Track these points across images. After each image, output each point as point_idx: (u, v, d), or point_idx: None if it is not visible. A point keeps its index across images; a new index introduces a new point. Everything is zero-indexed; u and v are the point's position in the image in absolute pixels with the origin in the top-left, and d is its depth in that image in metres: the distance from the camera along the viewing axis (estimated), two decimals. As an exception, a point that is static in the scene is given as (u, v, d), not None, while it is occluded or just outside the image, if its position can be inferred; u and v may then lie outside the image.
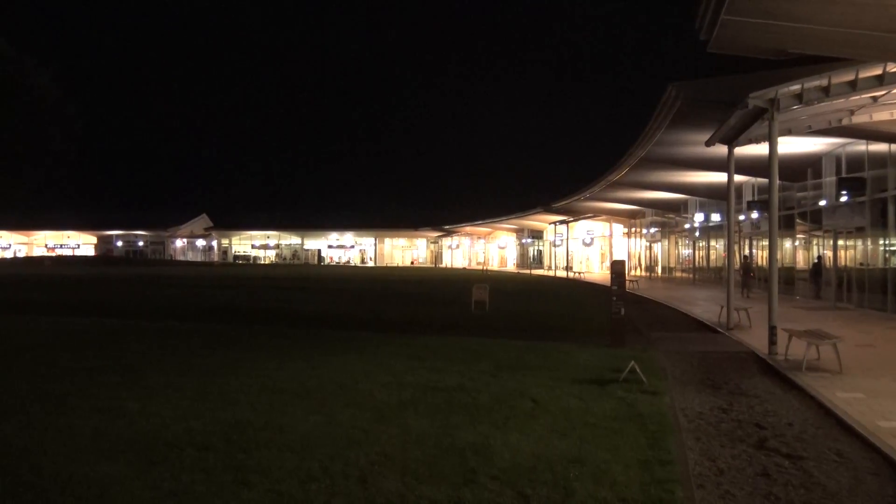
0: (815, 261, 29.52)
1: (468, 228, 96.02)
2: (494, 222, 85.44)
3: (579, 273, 62.46)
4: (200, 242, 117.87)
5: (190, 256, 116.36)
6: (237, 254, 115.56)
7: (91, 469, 6.92)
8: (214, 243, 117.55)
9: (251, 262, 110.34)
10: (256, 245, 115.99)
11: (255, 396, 10.22)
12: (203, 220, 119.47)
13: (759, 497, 6.64)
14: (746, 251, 40.50)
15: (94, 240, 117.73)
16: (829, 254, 29.56)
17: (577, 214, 64.02)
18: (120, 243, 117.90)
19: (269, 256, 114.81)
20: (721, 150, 21.42)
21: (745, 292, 31.68)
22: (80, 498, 6.25)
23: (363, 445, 7.75)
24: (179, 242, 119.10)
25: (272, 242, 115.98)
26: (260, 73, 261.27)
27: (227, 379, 11.54)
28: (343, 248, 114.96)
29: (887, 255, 24.64)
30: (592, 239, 74.03)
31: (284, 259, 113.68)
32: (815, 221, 30.63)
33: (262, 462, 7.16)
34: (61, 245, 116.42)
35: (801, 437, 8.74)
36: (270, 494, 6.31)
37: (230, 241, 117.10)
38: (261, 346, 15.62)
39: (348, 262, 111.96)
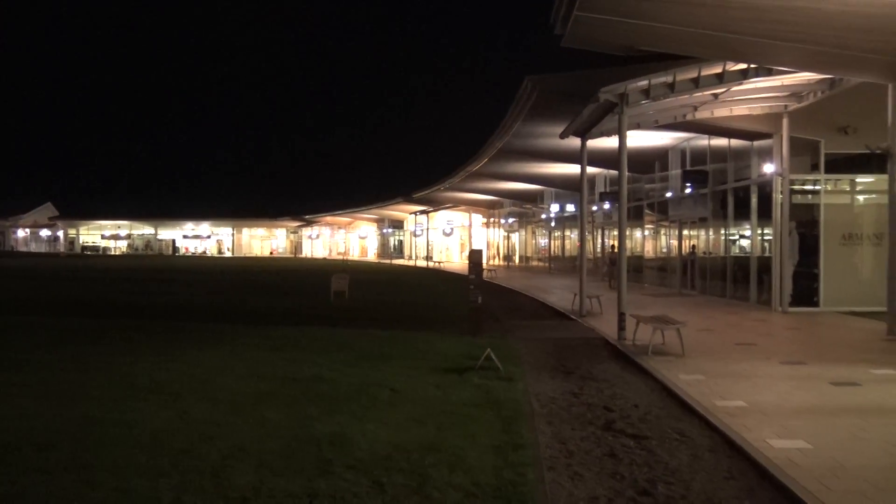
0: (690, 250, 28.72)
1: (328, 218, 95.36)
2: (355, 212, 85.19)
3: (439, 263, 63.09)
4: (45, 233, 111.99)
5: (34, 248, 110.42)
6: (86, 244, 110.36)
7: (-83, 475, 6.46)
8: (61, 233, 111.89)
9: (101, 253, 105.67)
10: (106, 235, 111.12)
11: (104, 392, 9.80)
12: (48, 209, 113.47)
13: (606, 476, 6.90)
14: (603, 241, 41.93)
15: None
16: (675, 243, 30.99)
17: (437, 204, 64.62)
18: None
19: (120, 247, 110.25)
20: (575, 142, 22.08)
21: (611, 282, 30.47)
22: None
23: (217, 440, 7.57)
24: (22, 233, 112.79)
25: (123, 232, 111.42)
26: (108, 53, 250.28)
27: (75, 375, 11.02)
28: (199, 238, 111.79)
29: (727, 245, 26.08)
30: (452, 229, 74.95)
31: (137, 250, 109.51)
32: (663, 212, 32.05)
33: (109, 460, 6.88)
34: None
35: (645, 418, 9.14)
36: (117, 493, 6.07)
37: (78, 231, 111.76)
38: (111, 340, 14.97)
39: (205, 252, 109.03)
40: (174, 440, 7.56)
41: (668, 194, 30.53)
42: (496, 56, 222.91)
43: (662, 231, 34.18)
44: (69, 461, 6.85)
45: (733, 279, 24.62)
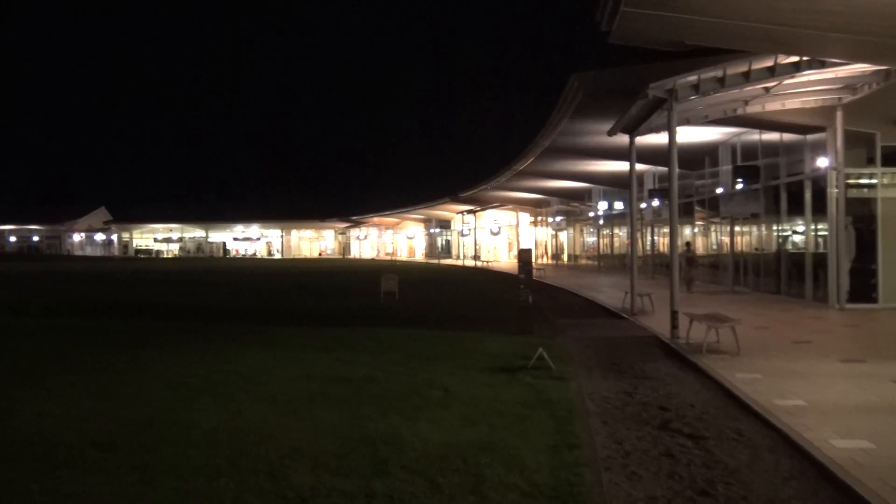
0: (782, 243, 25.61)
1: (376, 219, 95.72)
2: (402, 212, 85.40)
3: (487, 262, 63.00)
4: (99, 236, 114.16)
5: (89, 251, 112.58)
6: (139, 248, 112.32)
7: (-14, 474, 6.63)
8: (114, 237, 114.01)
9: (154, 256, 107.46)
10: (159, 238, 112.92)
11: (159, 393, 9.96)
12: (102, 213, 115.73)
13: (664, 476, 6.82)
14: (653, 239, 41.43)
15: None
16: (726, 240, 30.52)
17: (484, 204, 64.53)
18: (13, 238, 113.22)
19: (172, 250, 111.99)
20: (623, 139, 21.88)
21: (688, 286, 27.18)
22: (-26, 505, 5.99)
23: (272, 440, 7.64)
24: (77, 237, 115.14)
25: (175, 235, 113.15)
26: (159, 61, 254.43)
27: (131, 377, 11.22)
28: (249, 240, 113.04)
29: (780, 241, 25.62)
30: (500, 228, 74.74)
31: (188, 252, 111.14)
32: (713, 208, 31.60)
33: (167, 460, 6.98)
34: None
35: (702, 417, 9.01)
36: (177, 493, 6.15)
37: (131, 234, 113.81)
38: (165, 342, 15.21)
39: (255, 254, 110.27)
40: (230, 440, 7.64)
41: (719, 190, 30.09)
42: (542, 53, 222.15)
43: (713, 228, 33.69)
44: (129, 461, 6.96)
45: (787, 276, 24.18)
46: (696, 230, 36.05)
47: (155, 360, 12.68)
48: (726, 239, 30.58)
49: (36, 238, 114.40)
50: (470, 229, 70.68)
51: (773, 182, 24.95)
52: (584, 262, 56.62)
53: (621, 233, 46.94)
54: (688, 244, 31.30)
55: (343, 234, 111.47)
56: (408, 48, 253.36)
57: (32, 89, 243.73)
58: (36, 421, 8.47)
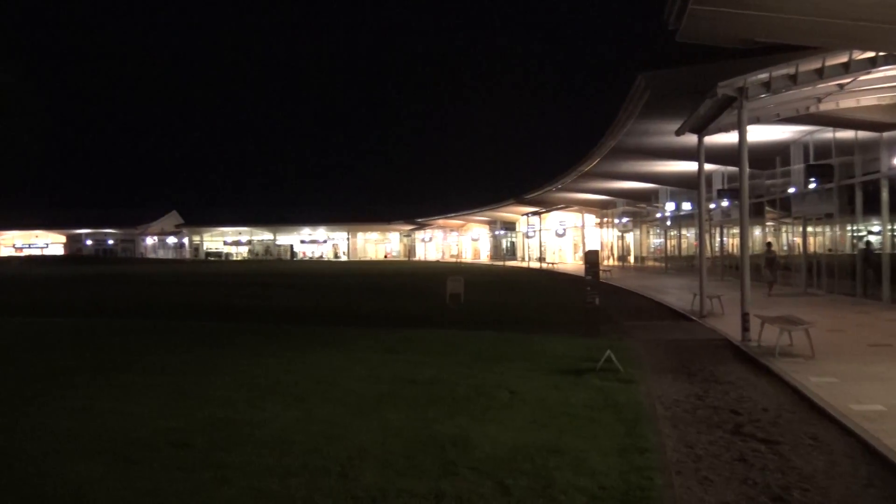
0: (863, 246, 24.07)
1: (441, 221, 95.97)
2: (467, 215, 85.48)
3: (552, 264, 62.64)
4: (171, 240, 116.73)
5: (161, 254, 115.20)
6: (209, 250, 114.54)
7: (66, 469, 6.84)
8: (185, 240, 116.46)
9: (223, 258, 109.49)
10: (228, 241, 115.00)
11: (231, 393, 10.15)
12: (174, 217, 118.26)
13: (737, 482, 6.70)
14: (721, 240, 40.70)
15: (63, 239, 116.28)
16: (798, 240, 29.80)
17: (549, 205, 64.14)
18: (89, 242, 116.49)
19: (241, 252, 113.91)
20: (691, 139, 21.55)
21: (769, 288, 26.38)
22: (57, 498, 6.18)
23: (342, 440, 7.72)
24: (150, 240, 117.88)
25: (244, 238, 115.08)
26: (227, 68, 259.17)
27: (203, 377, 11.47)
28: (316, 242, 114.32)
29: (855, 241, 24.92)
30: (565, 230, 74.26)
31: (257, 255, 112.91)
32: (785, 209, 30.89)
33: (240, 459, 7.11)
34: (29, 245, 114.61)
35: (776, 422, 8.82)
36: (250, 491, 6.27)
37: (201, 237, 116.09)
38: (236, 343, 15.52)
39: (321, 256, 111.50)
40: (301, 440, 7.75)
41: (791, 190, 29.43)
42: (607, 53, 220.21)
43: (784, 228, 32.92)
44: (203, 459, 7.12)
45: (863, 278, 23.52)
46: (766, 231, 35.29)
47: (226, 361, 12.93)
48: (798, 240, 29.84)
49: (111, 242, 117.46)
50: (535, 231, 70.31)
51: (847, 181, 24.31)
52: (650, 263, 55.91)
53: (689, 234, 46.22)
54: (769, 244, 30.51)
55: (408, 236, 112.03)
56: (472, 51, 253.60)
57: (109, 99, 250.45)
58: (113, 419, 8.72)
